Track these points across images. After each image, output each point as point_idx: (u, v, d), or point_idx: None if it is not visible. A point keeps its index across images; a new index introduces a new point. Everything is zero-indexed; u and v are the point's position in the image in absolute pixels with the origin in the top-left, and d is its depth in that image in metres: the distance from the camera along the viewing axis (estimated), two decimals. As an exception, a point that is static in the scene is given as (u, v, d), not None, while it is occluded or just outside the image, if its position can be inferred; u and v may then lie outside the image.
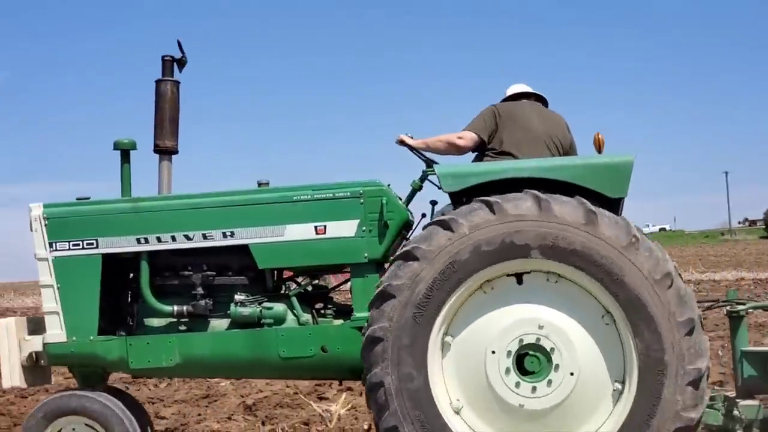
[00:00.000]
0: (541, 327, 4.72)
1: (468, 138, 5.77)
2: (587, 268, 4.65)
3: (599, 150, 5.80)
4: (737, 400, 5.42)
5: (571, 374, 4.68)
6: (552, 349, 4.71)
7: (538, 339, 4.72)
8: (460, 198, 5.02)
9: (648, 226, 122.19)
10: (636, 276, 4.60)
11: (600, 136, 5.83)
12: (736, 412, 5.33)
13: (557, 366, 4.69)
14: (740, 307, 5.60)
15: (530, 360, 4.74)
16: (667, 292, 4.59)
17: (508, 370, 4.72)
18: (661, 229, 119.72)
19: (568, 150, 5.99)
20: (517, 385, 4.71)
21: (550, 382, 4.70)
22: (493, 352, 4.73)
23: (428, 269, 4.71)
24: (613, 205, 5.01)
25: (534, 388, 4.71)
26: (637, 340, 4.60)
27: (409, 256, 4.73)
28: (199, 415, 9.03)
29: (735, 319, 5.60)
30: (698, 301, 6.16)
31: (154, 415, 9.01)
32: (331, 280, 7.70)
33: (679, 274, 4.71)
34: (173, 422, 8.61)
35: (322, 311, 5.61)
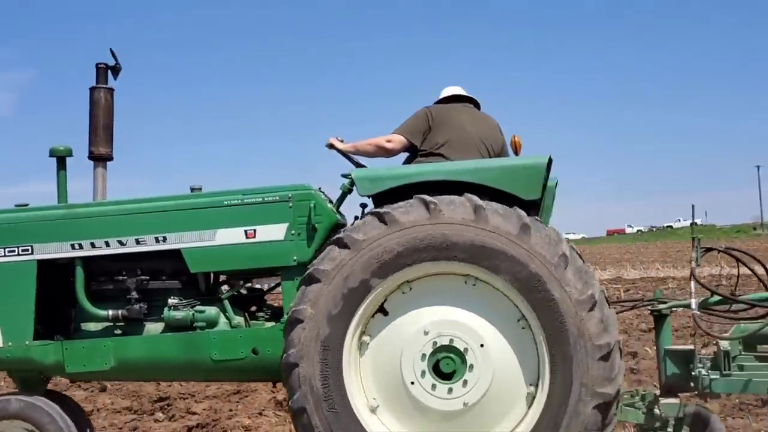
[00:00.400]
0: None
1: (397, 141, 5.87)
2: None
3: (516, 152, 5.98)
4: (660, 398, 5.39)
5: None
6: (465, 349, 4.74)
7: (451, 340, 4.76)
8: (381, 201, 5.04)
9: (679, 220, 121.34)
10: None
11: (517, 139, 6.00)
12: (656, 410, 5.34)
13: (471, 366, 4.73)
14: (661, 306, 5.58)
15: (445, 362, 4.77)
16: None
17: (423, 373, 4.76)
18: (692, 224, 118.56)
19: (500, 152, 6.06)
20: (434, 387, 4.76)
21: (465, 382, 4.74)
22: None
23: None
24: (531, 207, 5.04)
25: (450, 390, 4.75)
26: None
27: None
28: (231, 410, 9.09)
29: (659, 318, 5.57)
30: (623, 301, 6.14)
31: (185, 410, 9.22)
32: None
33: (606, 297, 4.78)
34: (204, 418, 8.74)
35: (257, 314, 5.68)
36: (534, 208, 5.14)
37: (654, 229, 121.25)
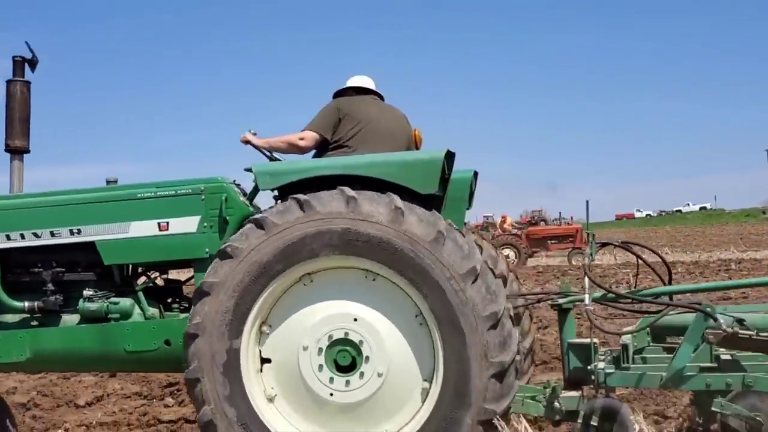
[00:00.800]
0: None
1: (309, 138, 5.95)
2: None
3: (416, 146, 6.11)
4: (562, 391, 5.41)
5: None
6: (361, 341, 4.80)
7: (346, 333, 4.82)
8: (285, 195, 5.07)
9: (688, 205, 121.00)
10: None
11: (417, 132, 6.13)
12: (556, 404, 5.35)
13: (368, 358, 4.79)
14: (561, 301, 5.57)
15: (342, 355, 4.84)
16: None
17: (321, 367, 4.84)
18: (701, 208, 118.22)
19: (409, 143, 6.18)
20: (331, 380, 4.83)
21: (362, 374, 4.80)
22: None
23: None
24: (432, 201, 5.11)
25: (347, 382, 4.82)
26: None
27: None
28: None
29: (562, 312, 5.58)
30: (527, 294, 6.19)
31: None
32: None
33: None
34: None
35: (172, 305, 5.77)
36: (436, 201, 5.23)
37: (663, 214, 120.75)
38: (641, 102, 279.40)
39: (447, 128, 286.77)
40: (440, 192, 5.26)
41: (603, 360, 5.35)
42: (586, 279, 5.33)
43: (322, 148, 6.02)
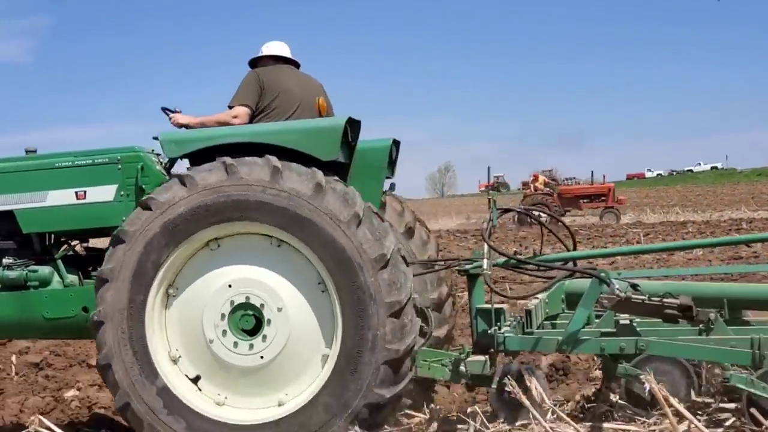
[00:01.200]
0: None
1: (242, 113, 5.96)
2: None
3: (321, 114, 6.14)
4: (470, 356, 5.43)
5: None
6: (262, 305, 4.88)
7: (247, 297, 4.90)
8: (198, 162, 5.11)
9: (699, 164, 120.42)
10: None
11: (321, 102, 6.17)
12: (462, 368, 5.37)
13: (270, 321, 4.87)
14: (468, 267, 5.57)
15: (244, 319, 4.93)
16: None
17: (224, 333, 4.91)
18: (712, 168, 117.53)
19: (327, 112, 6.25)
20: (235, 345, 4.91)
21: (264, 337, 4.89)
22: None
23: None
24: (339, 169, 5.27)
25: (251, 346, 4.90)
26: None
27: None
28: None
29: (470, 278, 5.58)
30: (436, 261, 6.22)
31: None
32: None
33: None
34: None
35: (93, 273, 5.74)
36: (342, 170, 5.35)
37: (674, 173, 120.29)
38: (652, 61, 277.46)
39: (454, 90, 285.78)
40: (345, 159, 5.37)
41: (510, 325, 5.42)
42: (485, 244, 5.40)
43: (249, 120, 6.09)
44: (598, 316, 5.48)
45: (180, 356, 5.01)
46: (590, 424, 5.04)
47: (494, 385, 5.32)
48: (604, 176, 42.30)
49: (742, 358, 4.90)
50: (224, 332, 4.88)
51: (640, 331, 5.21)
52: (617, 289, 5.04)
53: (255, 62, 6.40)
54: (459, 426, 5.23)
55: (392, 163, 5.93)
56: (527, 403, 4.92)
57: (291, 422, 4.76)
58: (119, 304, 4.88)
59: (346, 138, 5.24)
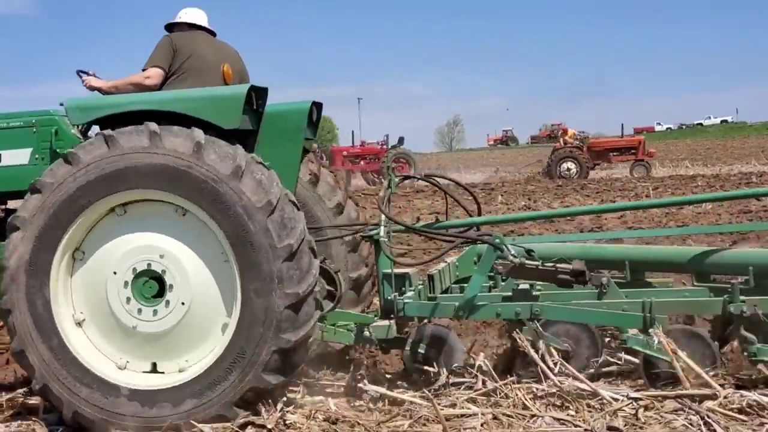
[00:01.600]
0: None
1: (155, 75, 6.12)
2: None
3: (226, 82, 6.26)
4: (375, 320, 5.59)
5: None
6: (164, 271, 4.90)
7: (149, 264, 4.92)
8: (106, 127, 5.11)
9: (709, 118, 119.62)
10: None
11: (226, 68, 6.28)
12: (366, 332, 5.53)
13: (171, 286, 4.90)
14: (372, 233, 5.69)
15: (148, 285, 4.94)
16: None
17: (128, 300, 4.94)
18: (722, 121, 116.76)
19: (243, 79, 6.43)
20: (139, 311, 4.94)
21: (168, 303, 4.91)
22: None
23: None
24: (245, 137, 5.35)
25: (155, 312, 4.93)
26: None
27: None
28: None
29: (376, 244, 5.71)
30: (346, 226, 6.35)
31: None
32: None
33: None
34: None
35: None
36: (249, 137, 5.43)
37: (683, 127, 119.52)
38: (661, 12, 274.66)
39: (461, 44, 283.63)
40: (252, 126, 5.44)
41: (414, 290, 5.55)
42: (382, 212, 5.50)
43: (163, 81, 6.19)
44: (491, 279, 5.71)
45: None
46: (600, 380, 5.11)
47: (407, 348, 5.50)
48: (633, 129, 41.74)
49: (634, 321, 5.07)
50: (128, 299, 4.93)
51: (542, 295, 5.37)
52: (511, 255, 5.18)
53: (172, 27, 6.55)
54: (467, 378, 5.30)
55: (314, 126, 5.98)
56: (536, 358, 4.98)
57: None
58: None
59: (250, 106, 5.32)
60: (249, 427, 4.39)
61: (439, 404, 4.53)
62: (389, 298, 5.51)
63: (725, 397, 4.45)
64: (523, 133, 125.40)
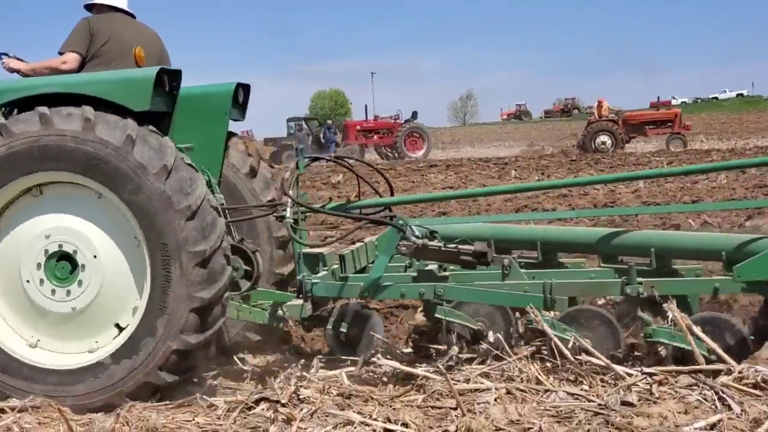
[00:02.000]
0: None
1: (72, 59, 6.13)
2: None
3: (138, 65, 6.24)
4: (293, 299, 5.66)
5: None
6: (75, 251, 4.98)
7: (60, 245, 5.00)
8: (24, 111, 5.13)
9: (724, 91, 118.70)
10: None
11: (138, 50, 6.29)
12: (280, 311, 5.61)
13: (83, 266, 4.98)
14: (284, 213, 5.66)
15: (60, 266, 5.02)
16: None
17: (42, 281, 5.02)
18: (738, 95, 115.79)
19: (161, 61, 6.36)
20: (53, 292, 5.03)
21: (80, 282, 5.00)
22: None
23: None
24: (161, 119, 5.48)
25: (68, 292, 5.02)
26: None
27: None
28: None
29: (294, 222, 5.68)
30: (260, 206, 6.21)
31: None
32: None
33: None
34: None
35: None
36: (163, 119, 5.55)
37: (698, 101, 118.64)
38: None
39: (473, 17, 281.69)
40: (165, 109, 5.53)
41: (328, 270, 5.60)
42: (290, 192, 5.52)
43: (80, 66, 6.20)
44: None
45: None
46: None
47: (329, 326, 5.60)
48: (669, 101, 41.21)
49: (535, 302, 5.10)
50: (41, 281, 5.01)
51: (452, 276, 5.42)
52: (414, 236, 5.21)
53: (90, 7, 6.53)
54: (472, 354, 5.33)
55: (242, 107, 6.09)
56: (552, 335, 4.95)
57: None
58: None
59: (162, 88, 5.39)
60: (262, 402, 4.39)
61: (452, 379, 4.52)
62: (298, 278, 5.58)
63: (739, 372, 4.42)
64: (536, 108, 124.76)
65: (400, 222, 5.28)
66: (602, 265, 5.67)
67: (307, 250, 5.72)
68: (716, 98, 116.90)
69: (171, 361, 4.82)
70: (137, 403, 4.68)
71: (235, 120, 5.98)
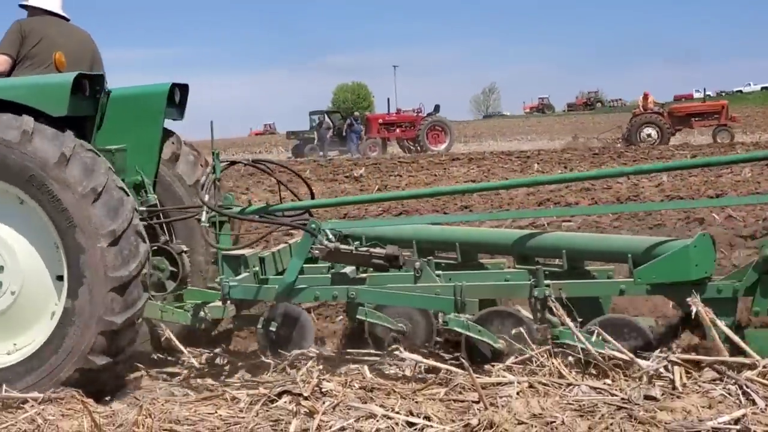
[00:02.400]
0: None
1: (2, 62, 6.16)
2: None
3: (59, 70, 6.18)
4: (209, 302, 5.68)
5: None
6: None
7: None
8: None
9: (749, 84, 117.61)
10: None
11: (58, 56, 6.24)
12: (202, 313, 5.61)
13: (2, 268, 5.08)
14: (203, 216, 5.61)
15: None
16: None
17: None
18: (763, 88, 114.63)
19: (92, 63, 6.44)
20: None
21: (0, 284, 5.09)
22: None
23: None
24: (82, 123, 5.49)
25: None
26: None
27: None
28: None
29: (213, 226, 5.69)
30: (184, 208, 6.23)
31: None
32: None
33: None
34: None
35: None
36: (86, 123, 5.54)
37: (723, 94, 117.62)
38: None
39: (497, 10, 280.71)
40: (87, 113, 5.53)
41: (250, 272, 5.59)
42: (206, 196, 5.50)
43: (11, 68, 6.22)
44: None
45: None
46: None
47: (260, 326, 5.67)
48: (713, 93, 40.66)
49: (446, 305, 5.16)
50: None
51: (369, 279, 5.45)
52: (326, 240, 5.28)
53: (26, 8, 6.52)
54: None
55: (179, 107, 6.07)
56: (573, 328, 4.93)
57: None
58: None
59: (83, 93, 5.38)
60: (285, 395, 4.41)
61: (475, 372, 4.53)
62: (217, 280, 5.63)
63: (764, 367, 4.39)
64: (559, 101, 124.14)
65: (312, 226, 5.34)
66: (518, 266, 5.68)
67: (226, 252, 5.71)
68: (741, 91, 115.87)
69: (73, 378, 4.89)
70: (160, 396, 4.70)
71: (174, 120, 6.02)
